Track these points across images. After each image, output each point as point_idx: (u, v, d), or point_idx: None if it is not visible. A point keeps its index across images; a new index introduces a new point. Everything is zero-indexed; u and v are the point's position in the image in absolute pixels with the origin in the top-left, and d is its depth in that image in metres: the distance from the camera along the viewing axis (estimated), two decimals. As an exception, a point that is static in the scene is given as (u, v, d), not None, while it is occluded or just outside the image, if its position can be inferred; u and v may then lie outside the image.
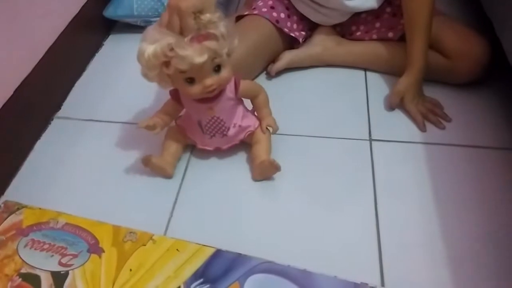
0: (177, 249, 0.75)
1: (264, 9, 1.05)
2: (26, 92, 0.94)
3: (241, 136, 0.87)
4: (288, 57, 1.06)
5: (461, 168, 0.86)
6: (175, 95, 0.84)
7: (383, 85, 1.04)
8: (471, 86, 0.99)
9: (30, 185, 0.89)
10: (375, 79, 1.06)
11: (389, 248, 0.75)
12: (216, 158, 0.91)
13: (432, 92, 0.98)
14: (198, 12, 0.71)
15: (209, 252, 0.74)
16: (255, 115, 0.89)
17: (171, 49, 0.71)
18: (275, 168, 0.83)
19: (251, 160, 0.88)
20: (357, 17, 1.07)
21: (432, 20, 0.91)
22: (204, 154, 0.91)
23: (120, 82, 1.11)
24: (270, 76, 1.08)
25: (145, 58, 0.73)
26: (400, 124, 0.95)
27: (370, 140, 0.93)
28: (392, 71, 1.04)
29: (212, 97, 0.80)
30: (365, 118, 0.97)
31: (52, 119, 1.03)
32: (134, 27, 1.22)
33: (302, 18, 1.09)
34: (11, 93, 0.90)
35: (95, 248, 0.75)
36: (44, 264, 0.74)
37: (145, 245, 0.75)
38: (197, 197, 0.85)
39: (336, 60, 1.09)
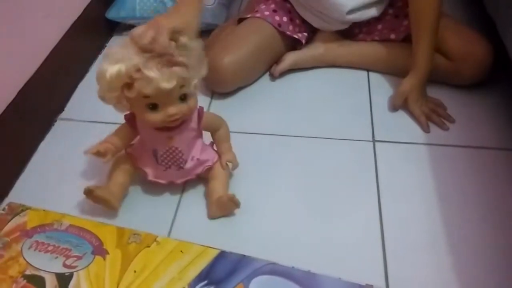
0: (181, 251, 0.75)
1: (267, 13, 1.05)
2: (30, 94, 0.94)
3: (199, 170, 0.81)
4: (291, 58, 1.07)
5: (465, 169, 0.87)
6: (131, 120, 0.78)
7: (386, 85, 1.04)
8: (474, 88, 0.99)
9: (34, 186, 0.89)
10: (377, 79, 1.06)
11: (393, 249, 0.75)
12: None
13: (435, 93, 0.99)
14: (177, 33, 0.69)
15: (213, 253, 0.74)
16: (214, 149, 0.84)
17: (138, 70, 0.66)
18: (235, 204, 0.78)
19: (207, 196, 0.83)
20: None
21: (439, 23, 0.91)
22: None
23: (123, 84, 1.11)
24: (273, 77, 1.08)
25: (107, 79, 0.68)
26: (404, 125, 0.95)
27: (374, 141, 0.93)
28: (394, 72, 1.04)
29: (173, 126, 0.75)
30: (368, 119, 0.98)
31: (56, 121, 1.03)
32: (137, 29, 1.22)
33: (304, 21, 1.09)
34: (15, 94, 0.90)
35: (99, 250, 0.75)
36: (48, 265, 0.74)
37: (149, 246, 0.75)
38: (201, 198, 0.85)
39: (338, 60, 1.09)
